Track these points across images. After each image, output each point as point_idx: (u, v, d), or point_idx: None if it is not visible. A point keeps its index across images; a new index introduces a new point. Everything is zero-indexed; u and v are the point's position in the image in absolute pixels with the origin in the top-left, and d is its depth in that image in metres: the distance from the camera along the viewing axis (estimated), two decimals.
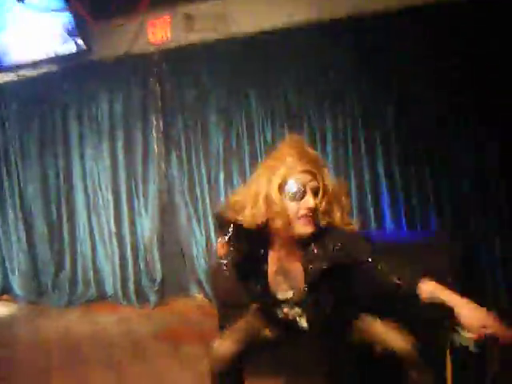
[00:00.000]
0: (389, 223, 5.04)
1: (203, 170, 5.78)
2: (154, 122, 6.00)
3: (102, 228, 6.32)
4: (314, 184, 2.26)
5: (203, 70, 5.73)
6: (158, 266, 6.09)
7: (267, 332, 2.55)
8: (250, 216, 2.28)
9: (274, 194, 2.24)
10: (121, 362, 4.40)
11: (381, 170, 5.05)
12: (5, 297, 6.85)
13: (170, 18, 5.89)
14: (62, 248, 6.55)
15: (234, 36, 5.60)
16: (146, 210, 6.09)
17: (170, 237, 6.05)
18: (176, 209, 6.01)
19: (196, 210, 5.89)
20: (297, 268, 2.38)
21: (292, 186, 2.24)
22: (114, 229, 6.21)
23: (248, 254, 2.42)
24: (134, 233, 6.18)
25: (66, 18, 5.85)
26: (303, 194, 2.25)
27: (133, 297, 6.13)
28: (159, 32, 5.91)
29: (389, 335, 2.35)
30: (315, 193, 2.27)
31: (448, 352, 3.08)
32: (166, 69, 5.91)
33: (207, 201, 5.77)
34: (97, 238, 6.37)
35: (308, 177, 2.26)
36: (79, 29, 5.84)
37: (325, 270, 2.30)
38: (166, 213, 6.07)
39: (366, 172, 5.10)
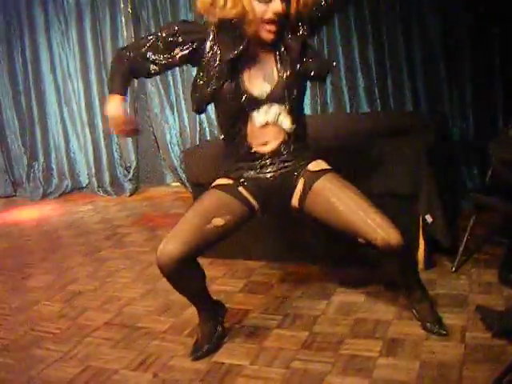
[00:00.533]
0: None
1: None
2: (122, 6, 5.78)
3: (74, 118, 6.31)
4: None
5: None
6: (132, 154, 6.12)
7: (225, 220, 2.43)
8: (220, 13, 2.20)
9: None
10: (98, 247, 4.44)
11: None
12: None
13: None
14: (34, 140, 6.52)
15: None
16: None
17: (144, 124, 6.01)
18: (148, 96, 5.95)
19: (169, 97, 5.85)
20: (271, 63, 2.37)
21: None
22: (85, 119, 6.17)
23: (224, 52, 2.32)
24: (106, 122, 6.07)
25: None
26: None
27: (108, 186, 6.18)
28: None
29: (368, 225, 2.32)
30: None
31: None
32: None
33: (180, 86, 5.71)
34: (69, 128, 6.35)
35: None
36: None
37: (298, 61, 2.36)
38: (139, 100, 5.98)
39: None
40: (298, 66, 2.32)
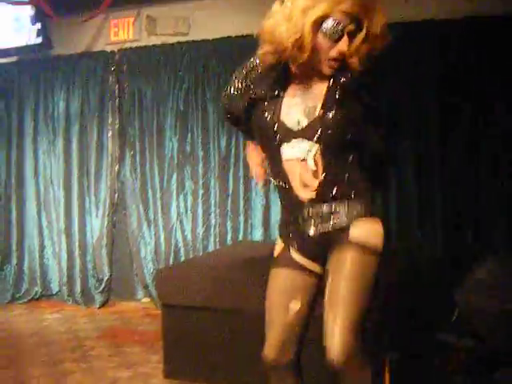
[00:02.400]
0: None
1: (156, 173, 5.99)
2: (110, 121, 6.08)
3: (51, 225, 6.48)
4: (352, 28, 2.11)
5: (162, 73, 5.96)
6: (106, 266, 6.26)
7: None
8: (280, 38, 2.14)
9: (308, 26, 2.09)
10: (62, 359, 4.45)
11: None
12: None
13: (132, 18, 6.08)
14: (9, 242, 6.63)
15: (194, 40, 5.79)
16: (97, 209, 6.24)
17: (120, 238, 6.27)
18: (127, 210, 6.20)
19: (147, 213, 6.07)
20: (319, 96, 2.25)
21: (329, 26, 2.10)
22: (63, 226, 6.37)
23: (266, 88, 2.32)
24: (83, 232, 6.29)
25: (27, 11, 5.89)
26: (339, 37, 2.12)
27: (78, 296, 6.24)
28: (121, 32, 6.05)
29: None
30: (352, 37, 2.13)
31: None
32: (125, 69, 6.05)
33: (158, 204, 5.95)
34: (45, 234, 6.46)
35: (349, 19, 2.10)
36: (40, 22, 6.00)
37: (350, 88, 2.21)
38: (117, 213, 6.17)
39: None
40: (344, 111, 2.19)
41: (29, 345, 4.95)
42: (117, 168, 6.22)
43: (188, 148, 5.87)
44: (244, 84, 2.41)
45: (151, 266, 6.02)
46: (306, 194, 2.24)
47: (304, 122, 2.22)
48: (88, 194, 6.31)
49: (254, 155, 2.52)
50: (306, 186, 2.23)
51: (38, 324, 5.59)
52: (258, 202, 5.60)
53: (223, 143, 5.71)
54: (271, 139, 2.27)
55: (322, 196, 2.23)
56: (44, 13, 5.76)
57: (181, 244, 5.89)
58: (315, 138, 2.19)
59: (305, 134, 2.21)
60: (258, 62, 2.38)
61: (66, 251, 6.37)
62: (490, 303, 3.52)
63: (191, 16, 5.89)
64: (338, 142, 2.19)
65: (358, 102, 2.17)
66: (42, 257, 6.53)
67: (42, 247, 6.54)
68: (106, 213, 6.20)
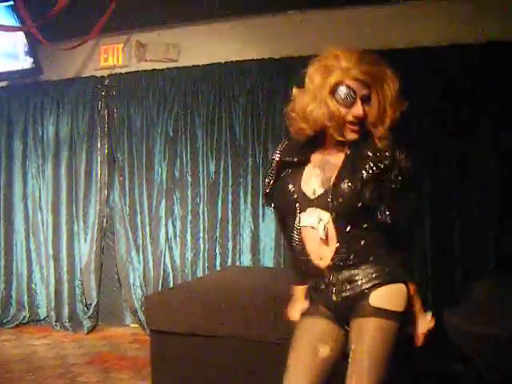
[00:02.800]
0: None
1: (145, 198, 6.05)
2: (99, 146, 6.08)
3: (40, 249, 6.50)
4: (365, 92, 2.25)
5: (152, 98, 5.96)
6: (94, 291, 6.27)
7: None
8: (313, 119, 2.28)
9: (326, 97, 2.24)
10: None
11: None
12: None
13: (122, 44, 6.17)
14: None
15: (184, 66, 5.88)
16: (86, 234, 6.27)
17: (108, 263, 6.32)
18: (116, 235, 6.24)
19: (136, 238, 6.12)
20: (336, 167, 2.35)
21: (342, 92, 2.24)
22: (51, 251, 6.39)
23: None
24: (71, 256, 6.31)
25: (18, 36, 5.91)
26: (353, 102, 2.25)
27: (66, 321, 6.26)
28: (111, 57, 6.11)
29: None
30: (366, 101, 2.27)
31: None
32: (114, 94, 6.09)
33: (147, 229, 5.96)
34: (33, 259, 6.45)
35: (359, 85, 2.24)
36: (31, 47, 6.01)
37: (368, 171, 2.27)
38: (106, 239, 6.17)
39: None
40: (357, 181, 2.26)
41: (16, 371, 4.94)
42: (106, 193, 6.27)
43: (177, 173, 5.93)
44: (271, 178, 2.50)
45: (140, 292, 6.04)
46: (321, 263, 2.32)
47: (319, 192, 2.31)
48: (77, 219, 6.36)
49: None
50: (322, 255, 2.32)
51: (26, 349, 5.57)
52: (246, 228, 5.64)
53: (212, 168, 5.77)
54: (291, 206, 2.37)
55: (339, 263, 2.29)
56: (34, 38, 5.79)
57: (169, 269, 5.93)
58: (327, 207, 2.27)
59: (319, 203, 2.30)
60: (275, 157, 2.48)
61: (54, 276, 6.38)
62: (480, 328, 3.54)
63: (181, 42, 5.98)
64: (349, 210, 2.25)
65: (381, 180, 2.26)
66: (29, 281, 6.55)
67: (30, 272, 6.55)
68: (95, 238, 6.24)
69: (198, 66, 5.82)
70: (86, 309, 6.30)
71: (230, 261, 5.70)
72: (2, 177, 6.64)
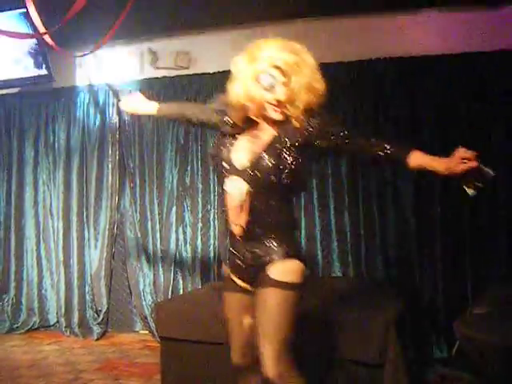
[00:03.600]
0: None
1: (156, 205, 6.08)
2: (110, 153, 6.13)
3: (50, 256, 6.51)
4: (283, 79, 2.57)
5: None
6: (104, 298, 6.26)
7: None
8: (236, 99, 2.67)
9: (250, 82, 2.59)
10: None
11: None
12: None
13: (134, 51, 6.02)
14: (7, 272, 6.69)
15: (195, 74, 5.94)
16: (96, 240, 6.29)
17: (118, 270, 6.34)
18: (126, 242, 6.26)
19: (146, 245, 6.09)
20: (267, 137, 2.69)
21: (264, 79, 2.57)
22: (61, 257, 6.40)
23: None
24: (81, 263, 6.33)
25: (30, 43, 5.93)
26: (274, 87, 2.57)
27: (76, 327, 6.27)
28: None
29: None
30: (286, 85, 2.59)
31: None
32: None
33: (158, 236, 5.97)
34: (44, 265, 6.47)
35: (278, 71, 2.57)
36: (43, 55, 5.96)
37: (294, 143, 2.63)
38: (116, 245, 6.19)
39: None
40: (284, 161, 2.59)
41: (26, 377, 4.95)
42: (116, 199, 6.29)
43: (187, 180, 5.95)
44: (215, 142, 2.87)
45: (150, 298, 6.05)
46: (235, 230, 2.69)
47: (244, 164, 2.64)
48: (87, 225, 6.39)
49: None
50: (236, 221, 2.67)
51: (36, 355, 5.59)
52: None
53: None
54: (220, 170, 2.72)
55: (248, 234, 2.67)
56: (47, 45, 5.80)
57: (179, 276, 5.94)
58: (247, 179, 2.61)
59: (242, 174, 2.63)
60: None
61: (65, 282, 6.41)
62: (490, 337, 3.52)
63: (192, 50, 6.00)
64: (265, 186, 2.61)
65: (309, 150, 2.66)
66: (40, 288, 6.58)
67: (41, 278, 6.58)
68: (105, 244, 6.26)
69: (209, 73, 5.84)
70: (95, 315, 6.32)
71: None
72: (13, 183, 6.68)
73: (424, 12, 5.10)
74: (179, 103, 3.18)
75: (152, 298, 6.02)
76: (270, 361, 2.54)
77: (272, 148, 2.62)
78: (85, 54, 5.88)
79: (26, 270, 6.65)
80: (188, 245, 5.92)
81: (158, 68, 6.09)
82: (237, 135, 2.75)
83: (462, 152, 2.49)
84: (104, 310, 6.29)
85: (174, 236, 5.96)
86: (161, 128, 6.05)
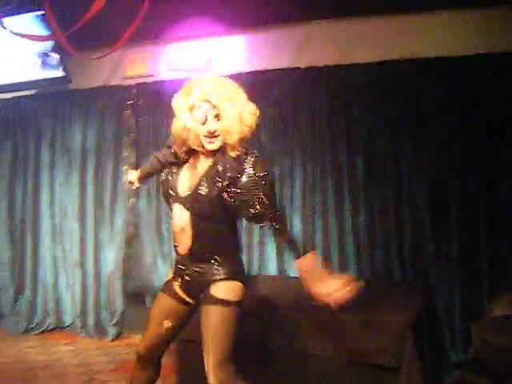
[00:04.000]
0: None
1: None
2: (126, 155, 6.06)
3: (66, 257, 6.53)
4: (214, 112, 2.80)
5: None
6: (119, 299, 6.19)
7: None
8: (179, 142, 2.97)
9: (185, 115, 2.85)
10: None
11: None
12: None
13: (150, 53, 6.18)
14: (23, 273, 6.70)
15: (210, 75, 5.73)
16: (112, 242, 6.18)
17: (133, 271, 6.27)
18: (141, 243, 6.20)
19: (161, 246, 6.07)
20: (204, 167, 2.95)
21: (196, 113, 2.81)
22: (77, 258, 6.32)
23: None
24: (97, 264, 6.29)
25: (47, 45, 5.95)
26: (205, 120, 2.80)
27: (91, 328, 6.27)
28: (138, 67, 6.08)
29: None
30: (218, 118, 2.82)
31: None
32: (141, 103, 6.03)
33: (172, 237, 5.79)
34: (59, 266, 6.47)
35: (209, 105, 2.79)
36: (59, 56, 6.01)
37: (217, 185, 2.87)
38: (131, 246, 6.15)
39: None
40: (218, 191, 2.85)
41: (41, 377, 4.97)
42: (132, 201, 6.26)
43: None
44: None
45: None
46: (182, 251, 3.00)
47: (185, 193, 2.93)
48: (103, 227, 6.38)
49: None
50: (181, 244, 3.00)
51: (51, 356, 5.61)
52: (271, 236, 5.55)
53: None
54: (167, 197, 3.04)
55: (192, 256, 2.96)
56: (63, 47, 5.82)
57: None
58: (187, 207, 2.90)
59: (183, 202, 2.92)
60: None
61: (80, 283, 6.44)
62: (507, 341, 3.50)
63: (208, 51, 5.98)
64: (203, 213, 2.88)
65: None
66: (55, 289, 6.61)
67: (56, 279, 6.61)
68: (121, 246, 6.25)
69: (226, 75, 5.80)
70: (111, 316, 6.34)
71: (255, 270, 5.69)
72: (29, 184, 6.72)
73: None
74: (151, 161, 3.30)
75: None
76: (211, 370, 2.82)
77: (208, 177, 2.88)
78: (101, 57, 5.90)
79: (42, 271, 6.69)
80: None
81: (174, 70, 6.08)
82: (182, 165, 3.03)
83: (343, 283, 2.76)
84: (119, 311, 6.31)
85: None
86: None
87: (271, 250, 5.65)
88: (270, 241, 5.64)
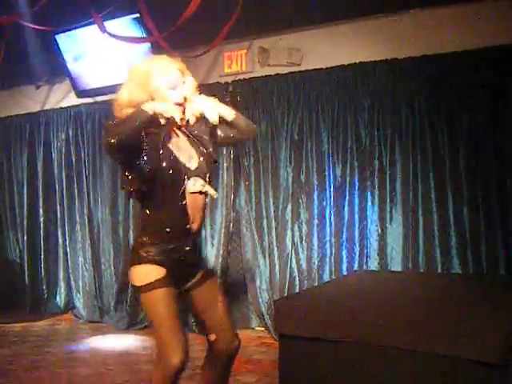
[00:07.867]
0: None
1: (271, 202, 6.19)
2: (225, 152, 6.37)
3: None
4: (184, 79, 2.96)
5: (276, 103, 6.18)
6: None
7: None
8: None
9: (160, 86, 2.88)
10: None
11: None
12: (68, 315, 7.45)
13: (245, 50, 6.41)
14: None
15: (307, 70, 6.05)
16: (213, 238, 6.45)
17: (235, 267, 6.47)
18: (242, 239, 6.40)
19: (262, 242, 6.25)
20: (188, 145, 2.97)
21: (171, 78, 2.89)
22: None
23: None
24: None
25: (142, 47, 6.10)
26: (178, 85, 2.91)
27: (194, 323, 6.45)
28: (234, 64, 6.22)
29: None
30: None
31: None
32: (239, 100, 6.13)
33: (273, 233, 6.08)
34: None
35: (180, 73, 2.95)
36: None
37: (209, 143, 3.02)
38: (232, 243, 6.32)
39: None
40: (207, 151, 2.98)
41: (144, 371, 5.09)
42: (232, 198, 6.44)
43: (303, 177, 6.02)
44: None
45: (266, 296, 6.18)
46: (196, 227, 2.90)
47: (193, 165, 2.88)
48: (204, 224, 6.44)
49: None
50: (196, 220, 2.89)
51: (155, 350, 5.71)
52: (373, 231, 5.64)
53: (338, 172, 5.82)
54: (178, 175, 2.81)
55: (196, 233, 2.95)
56: (160, 48, 5.98)
57: (296, 273, 6.01)
58: (205, 178, 2.89)
59: (198, 173, 2.87)
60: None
61: None
62: None
63: (303, 46, 6.08)
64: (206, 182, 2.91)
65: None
66: None
67: None
68: (222, 242, 6.42)
69: (321, 69, 5.90)
70: None
71: (356, 265, 5.71)
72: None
73: None
74: None
75: (268, 295, 6.13)
76: (234, 332, 3.29)
77: (199, 146, 2.96)
78: (198, 55, 6.04)
79: None
80: (304, 242, 5.98)
81: (269, 65, 6.17)
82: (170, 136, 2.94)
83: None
84: None
85: (289, 233, 6.02)
86: (274, 125, 6.15)
87: (373, 245, 5.67)
88: (371, 236, 5.64)
